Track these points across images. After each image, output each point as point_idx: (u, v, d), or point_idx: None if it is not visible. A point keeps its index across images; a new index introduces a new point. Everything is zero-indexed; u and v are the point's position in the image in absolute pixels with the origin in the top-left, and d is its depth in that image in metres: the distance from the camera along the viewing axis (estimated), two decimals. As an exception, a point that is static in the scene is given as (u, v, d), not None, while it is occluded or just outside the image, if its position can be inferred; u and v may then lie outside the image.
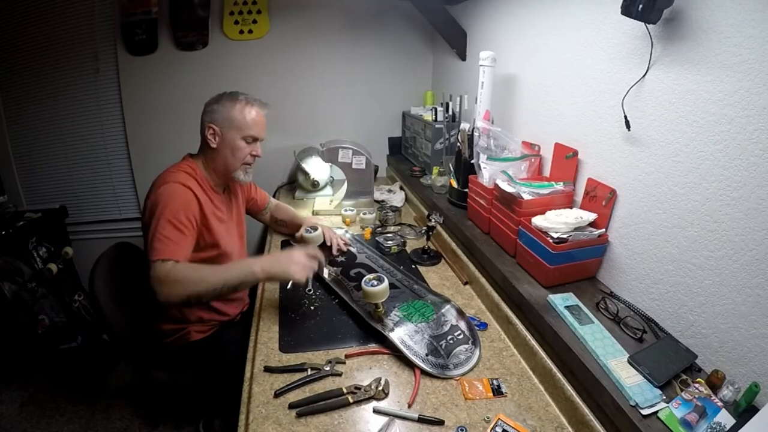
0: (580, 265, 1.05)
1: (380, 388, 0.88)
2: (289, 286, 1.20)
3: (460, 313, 1.12)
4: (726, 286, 0.77)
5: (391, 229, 1.72)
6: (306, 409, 0.83)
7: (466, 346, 1.01)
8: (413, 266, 1.44)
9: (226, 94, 1.28)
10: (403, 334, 1.01)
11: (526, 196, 1.13)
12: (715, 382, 0.74)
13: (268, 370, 0.95)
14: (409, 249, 1.55)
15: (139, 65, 2.09)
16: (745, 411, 0.68)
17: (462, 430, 0.80)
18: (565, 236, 1.00)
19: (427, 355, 0.97)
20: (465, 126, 1.47)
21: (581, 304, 0.96)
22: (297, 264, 1.10)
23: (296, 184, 2.21)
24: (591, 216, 1.05)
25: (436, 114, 1.93)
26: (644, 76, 0.91)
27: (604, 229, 1.04)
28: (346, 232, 1.65)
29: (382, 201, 1.96)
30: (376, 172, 2.17)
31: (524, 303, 1.01)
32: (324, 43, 2.22)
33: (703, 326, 0.81)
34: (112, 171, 2.31)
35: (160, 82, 2.13)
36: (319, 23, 2.18)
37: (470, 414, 0.84)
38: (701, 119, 0.80)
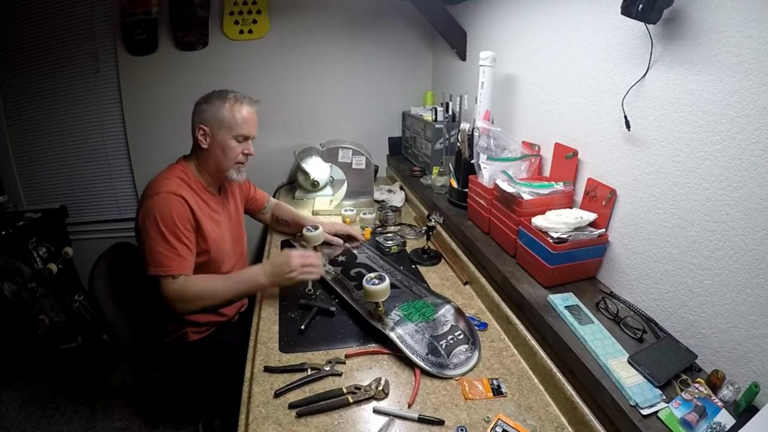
0: (580, 265, 1.05)
1: (380, 388, 0.88)
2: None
3: (460, 313, 1.12)
4: (726, 286, 0.77)
5: (391, 229, 1.73)
6: (306, 409, 0.83)
7: (466, 346, 1.01)
8: (413, 266, 1.44)
9: (215, 92, 1.25)
10: (403, 333, 1.01)
11: (526, 196, 1.13)
12: (715, 382, 0.74)
13: (268, 370, 0.95)
14: (409, 249, 1.55)
15: (139, 65, 2.09)
16: (745, 411, 0.68)
17: (462, 430, 0.80)
18: (565, 236, 1.00)
19: (427, 354, 0.97)
20: (465, 126, 1.47)
21: (581, 304, 0.96)
22: (296, 270, 1.17)
23: (296, 184, 2.21)
24: (591, 216, 1.05)
25: (436, 114, 1.93)
26: (644, 76, 0.91)
27: (604, 229, 1.04)
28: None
29: (382, 201, 1.96)
30: (376, 172, 2.17)
31: (524, 303, 1.01)
32: (324, 43, 2.22)
33: (703, 326, 0.81)
34: (112, 171, 2.31)
35: (160, 82, 2.13)
36: (319, 23, 2.18)
37: (470, 414, 0.84)
38: (701, 119, 0.80)
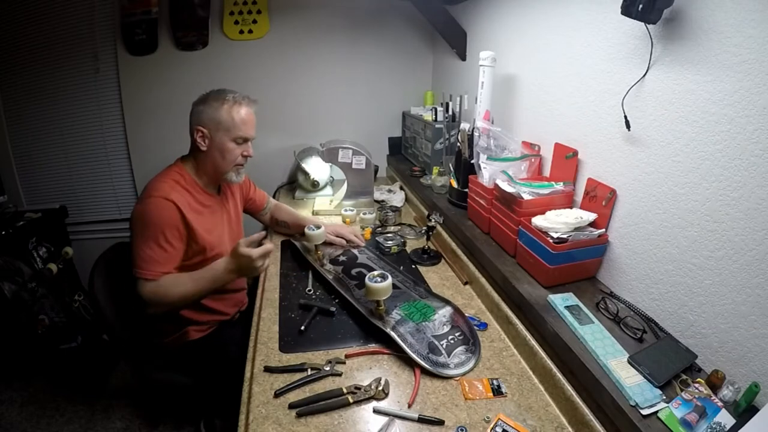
0: (580, 265, 1.05)
1: (380, 388, 0.88)
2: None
3: (461, 314, 1.12)
4: (726, 286, 0.77)
5: (391, 229, 1.73)
6: (306, 409, 0.83)
7: (466, 346, 1.01)
8: (413, 266, 1.44)
9: (213, 93, 1.24)
10: (404, 331, 1.01)
11: (526, 196, 1.13)
12: (715, 382, 0.74)
13: (268, 370, 0.95)
14: (409, 249, 1.55)
15: (139, 65, 2.09)
16: (745, 411, 0.68)
17: (462, 430, 0.80)
18: (565, 236, 1.00)
19: (427, 353, 0.97)
20: (465, 126, 1.47)
21: (581, 304, 0.96)
22: (258, 267, 1.14)
23: (296, 184, 2.21)
24: (591, 216, 1.05)
25: (436, 114, 1.93)
26: (644, 76, 0.91)
27: (604, 229, 1.04)
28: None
29: (382, 201, 1.96)
30: (376, 172, 2.17)
31: (524, 303, 1.01)
32: (324, 43, 2.22)
33: (703, 326, 0.81)
34: (112, 171, 2.31)
35: (160, 82, 2.13)
36: (319, 23, 2.18)
37: (470, 414, 0.84)
38: (701, 119, 0.80)
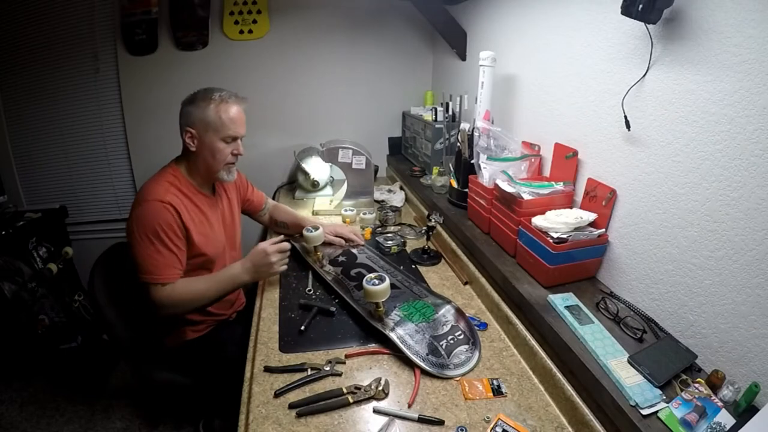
0: (580, 265, 1.05)
1: (380, 388, 0.88)
2: None
3: (460, 313, 1.12)
4: (726, 286, 0.77)
5: (391, 229, 1.72)
6: (306, 409, 0.83)
7: (466, 346, 1.01)
8: (413, 266, 1.44)
9: (200, 92, 1.22)
10: (403, 333, 1.01)
11: (526, 196, 1.13)
12: (715, 382, 0.74)
13: (268, 370, 0.95)
14: (409, 249, 1.55)
15: (139, 65, 2.09)
16: (745, 411, 0.68)
17: (462, 430, 0.80)
18: (565, 236, 1.00)
19: (427, 354, 0.97)
20: (465, 126, 1.47)
21: (581, 304, 0.96)
22: (276, 264, 1.23)
23: (296, 184, 2.21)
24: (591, 216, 1.05)
25: (436, 114, 1.93)
26: (644, 76, 0.91)
27: (604, 229, 1.04)
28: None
29: (382, 201, 1.96)
30: (376, 172, 2.17)
31: (524, 303, 1.01)
32: (324, 44, 2.22)
33: (703, 326, 0.81)
34: (112, 171, 2.30)
35: (160, 82, 2.13)
36: (319, 23, 2.18)
37: (470, 414, 0.84)
38: (701, 119, 0.80)
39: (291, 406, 0.84)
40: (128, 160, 2.28)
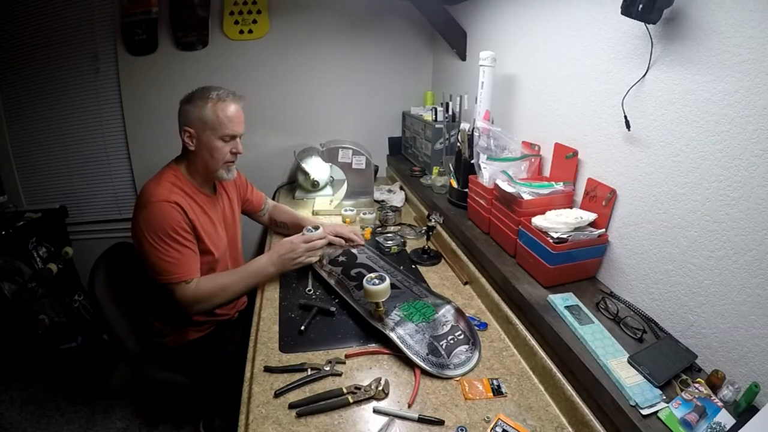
0: (580, 265, 1.05)
1: (380, 388, 0.88)
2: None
3: (460, 314, 1.11)
4: (726, 286, 0.77)
5: (391, 229, 1.72)
6: (306, 409, 0.83)
7: (467, 346, 1.01)
8: (413, 266, 1.44)
9: (197, 91, 1.22)
10: (403, 333, 1.01)
11: (526, 196, 1.13)
12: (715, 382, 0.74)
13: (268, 370, 0.95)
14: (409, 249, 1.55)
15: (139, 65, 2.09)
16: (745, 411, 0.68)
17: (462, 430, 0.80)
18: (565, 236, 1.00)
19: (427, 354, 0.97)
20: (465, 126, 1.47)
21: (581, 304, 0.96)
22: (302, 256, 1.28)
23: (296, 184, 2.21)
24: (591, 216, 1.05)
25: (436, 114, 1.92)
26: (644, 76, 0.91)
27: (604, 229, 1.04)
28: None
29: (382, 201, 1.96)
30: (376, 172, 2.17)
31: (524, 303, 1.01)
32: (324, 43, 2.22)
33: (703, 326, 0.81)
34: (112, 171, 2.31)
35: (160, 82, 2.13)
36: (319, 23, 2.18)
37: (470, 414, 0.84)
38: (701, 119, 0.80)
39: (291, 406, 0.84)
40: (128, 160, 2.28)
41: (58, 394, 1.91)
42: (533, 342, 0.97)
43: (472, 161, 1.41)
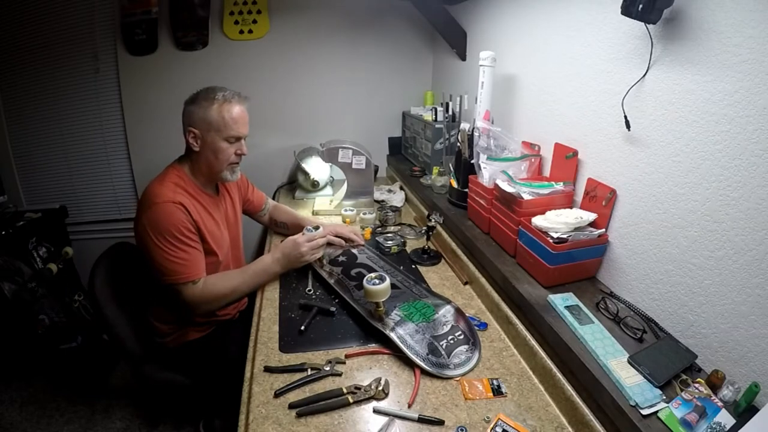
0: (580, 265, 1.05)
1: (380, 388, 0.88)
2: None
3: (461, 314, 1.12)
4: (726, 286, 0.77)
5: (391, 229, 1.72)
6: (306, 409, 0.83)
7: (467, 346, 1.01)
8: (413, 266, 1.44)
9: (202, 92, 1.21)
10: (403, 333, 1.01)
11: (526, 196, 1.13)
12: (715, 382, 0.74)
13: (268, 370, 0.95)
14: (409, 249, 1.55)
15: (139, 65, 2.09)
16: (745, 411, 0.68)
17: (462, 430, 0.80)
18: (565, 236, 1.00)
19: (427, 354, 0.97)
20: (465, 126, 1.47)
21: (581, 304, 0.96)
22: (306, 254, 1.28)
23: (296, 184, 2.21)
24: (591, 216, 1.05)
25: (436, 114, 1.92)
26: (644, 76, 0.91)
27: (604, 229, 1.04)
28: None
29: (382, 201, 1.96)
30: (376, 172, 2.17)
31: (524, 303, 1.01)
32: (324, 43, 2.22)
33: (703, 326, 0.82)
34: (112, 171, 2.30)
35: (160, 82, 2.13)
36: (319, 23, 2.18)
37: (470, 414, 0.84)
38: (701, 119, 0.80)
39: (291, 406, 0.84)
40: (128, 160, 2.27)
41: (58, 394, 1.91)
42: (533, 342, 0.97)
43: (472, 161, 1.41)
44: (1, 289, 1.75)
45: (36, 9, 1.98)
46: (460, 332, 1.04)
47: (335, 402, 0.85)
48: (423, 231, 1.56)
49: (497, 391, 0.90)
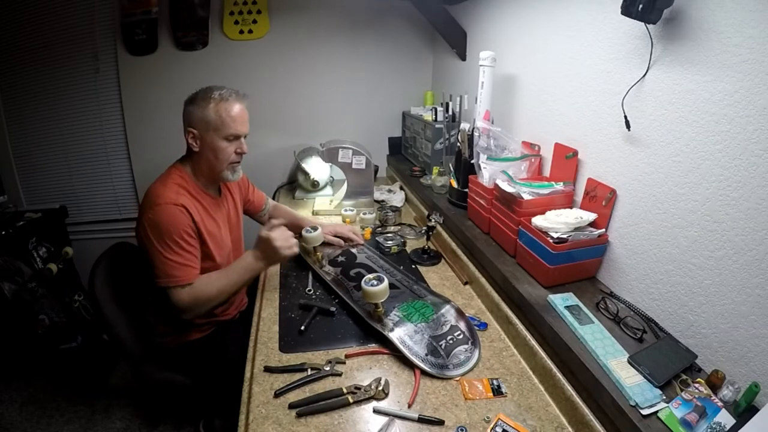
0: (580, 265, 1.05)
1: (380, 388, 0.88)
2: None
3: (460, 313, 1.12)
4: (726, 286, 0.77)
5: (391, 229, 1.72)
6: (306, 409, 0.83)
7: (466, 346, 1.01)
8: (413, 266, 1.44)
9: (200, 92, 1.21)
10: (402, 334, 1.01)
11: (526, 196, 1.13)
12: (715, 382, 0.74)
13: (268, 370, 0.95)
14: (409, 249, 1.55)
15: (139, 65, 2.10)
16: (745, 411, 0.68)
17: (462, 430, 0.80)
18: (565, 236, 1.00)
19: (426, 355, 0.97)
20: (465, 126, 1.47)
21: (581, 304, 0.96)
22: (281, 248, 1.19)
23: (296, 184, 2.21)
24: (591, 216, 1.05)
25: (436, 114, 1.93)
26: (644, 76, 0.91)
27: (604, 229, 1.04)
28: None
29: (382, 201, 1.96)
30: (376, 172, 2.17)
31: (524, 303, 1.01)
32: (324, 43, 2.22)
33: (703, 326, 0.82)
34: (112, 171, 2.31)
35: (160, 82, 2.13)
36: (319, 23, 2.18)
37: (470, 414, 0.84)
38: (701, 119, 0.80)
39: (291, 406, 0.84)
40: (128, 160, 2.28)
41: (58, 394, 1.91)
42: (533, 342, 0.97)
43: (472, 161, 1.41)
44: (1, 289, 1.75)
45: (36, 9, 1.98)
46: (459, 332, 1.04)
47: (335, 402, 0.85)
48: (423, 231, 1.56)
49: (497, 391, 0.90)
